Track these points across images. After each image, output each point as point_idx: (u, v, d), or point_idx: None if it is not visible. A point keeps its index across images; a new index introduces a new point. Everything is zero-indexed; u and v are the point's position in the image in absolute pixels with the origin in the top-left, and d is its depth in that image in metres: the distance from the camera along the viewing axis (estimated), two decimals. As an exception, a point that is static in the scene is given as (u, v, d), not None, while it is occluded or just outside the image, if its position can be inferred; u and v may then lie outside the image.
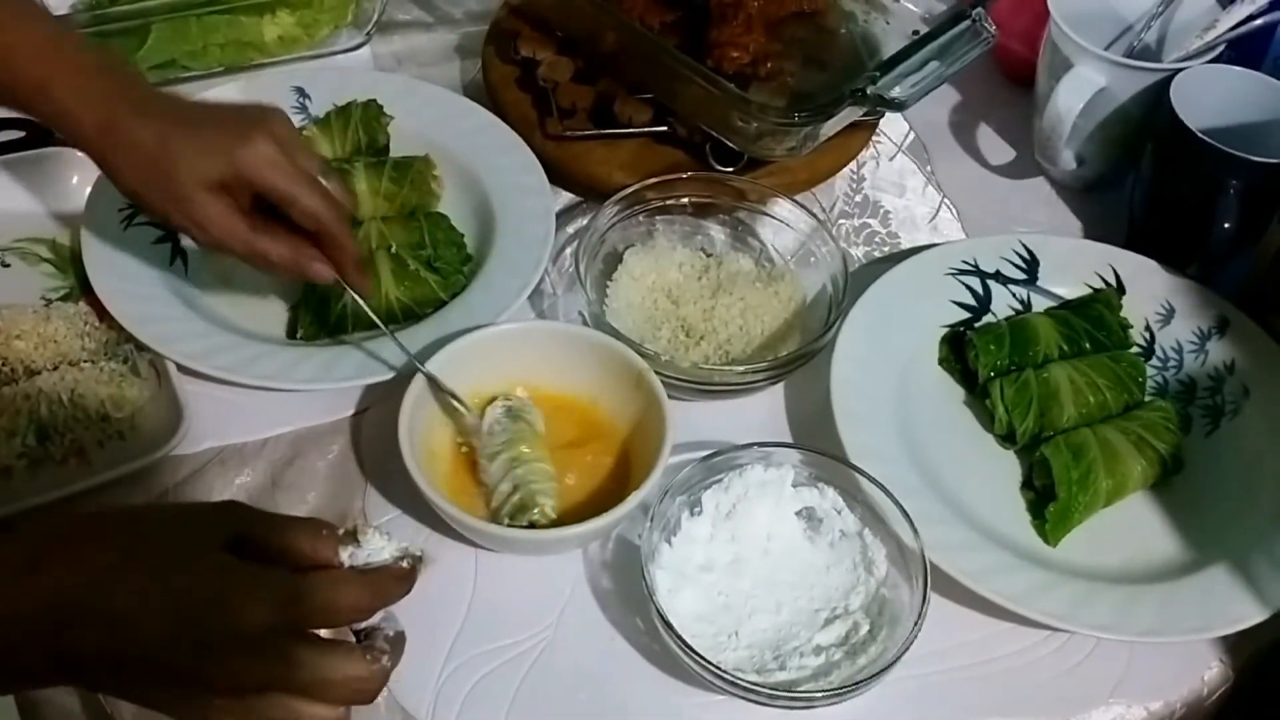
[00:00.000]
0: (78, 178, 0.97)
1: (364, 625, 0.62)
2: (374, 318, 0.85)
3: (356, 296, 0.84)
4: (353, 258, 0.83)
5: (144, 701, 0.59)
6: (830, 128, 0.97)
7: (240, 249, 0.80)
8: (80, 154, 0.97)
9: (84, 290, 0.91)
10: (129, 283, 0.90)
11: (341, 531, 0.62)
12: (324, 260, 0.82)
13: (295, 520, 0.63)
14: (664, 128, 1.03)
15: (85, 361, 0.86)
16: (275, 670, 0.57)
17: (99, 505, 0.80)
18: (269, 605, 0.56)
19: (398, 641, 0.63)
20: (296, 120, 1.03)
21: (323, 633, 0.60)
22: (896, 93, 0.95)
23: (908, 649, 0.73)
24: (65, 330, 0.87)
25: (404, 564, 0.63)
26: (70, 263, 0.93)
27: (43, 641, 0.55)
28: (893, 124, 1.13)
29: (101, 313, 0.89)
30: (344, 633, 0.62)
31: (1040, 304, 0.97)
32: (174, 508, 0.62)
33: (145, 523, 0.60)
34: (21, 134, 1.02)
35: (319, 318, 0.90)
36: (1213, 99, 0.96)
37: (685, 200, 0.97)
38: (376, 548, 0.62)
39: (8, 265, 0.94)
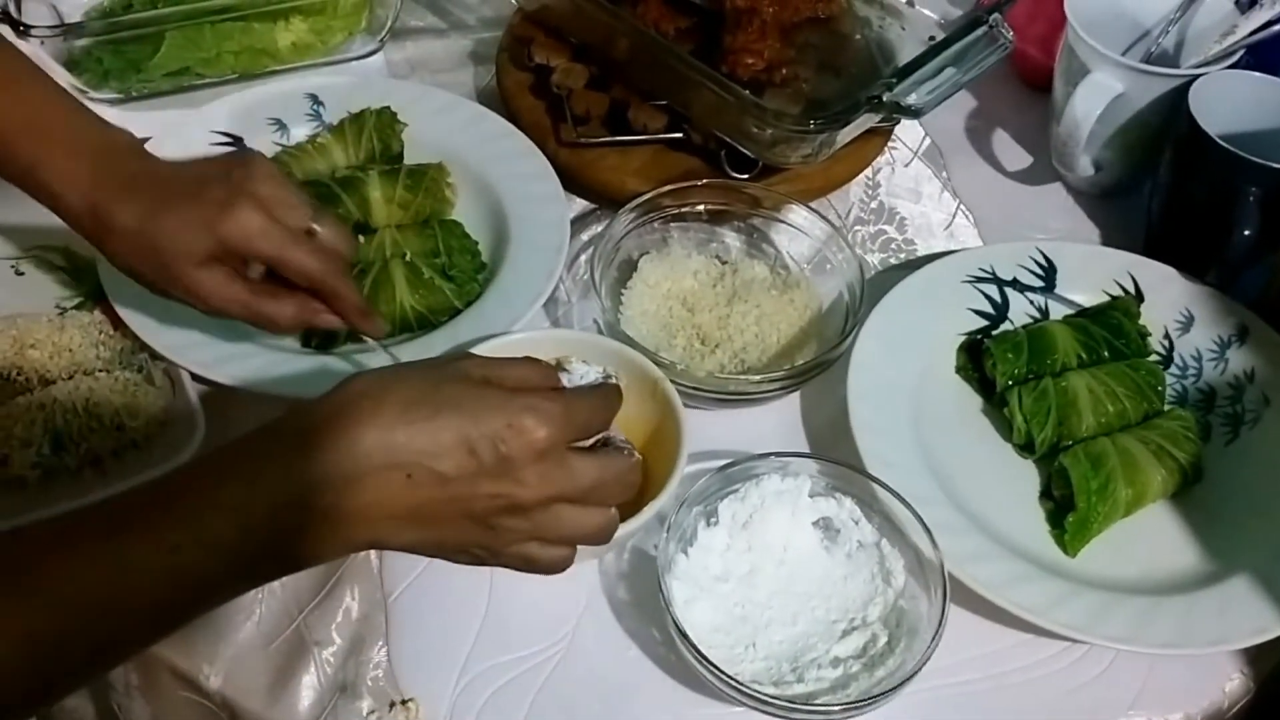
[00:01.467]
0: (92, 186, 0.97)
1: (598, 438, 0.67)
2: (391, 355, 0.85)
3: (368, 338, 0.85)
4: (354, 306, 0.82)
5: (439, 549, 0.63)
6: (846, 134, 0.97)
7: (244, 315, 0.80)
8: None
9: (98, 299, 0.91)
10: (143, 291, 0.90)
11: (554, 362, 0.70)
12: (329, 310, 0.82)
13: (516, 361, 0.67)
14: (678, 134, 1.02)
15: (100, 370, 0.86)
16: (562, 477, 0.62)
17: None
18: (547, 422, 0.61)
19: (628, 443, 0.69)
20: (310, 128, 1.04)
21: None
22: (913, 99, 0.95)
23: (927, 661, 0.72)
24: (80, 339, 0.87)
25: (611, 380, 0.70)
26: (85, 271, 0.93)
27: (345, 500, 0.59)
28: (908, 130, 1.12)
29: (116, 321, 0.89)
30: None
31: (1058, 312, 0.97)
32: (421, 366, 0.65)
33: (411, 382, 0.62)
34: (36, 142, 1.02)
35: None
36: (1231, 105, 0.96)
37: (700, 207, 0.97)
38: (583, 371, 0.70)
39: (22, 274, 0.94)
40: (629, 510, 0.76)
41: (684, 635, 0.72)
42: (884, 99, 0.94)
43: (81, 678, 0.62)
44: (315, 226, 0.80)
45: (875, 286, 0.94)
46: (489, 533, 0.63)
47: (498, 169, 1.01)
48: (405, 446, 0.59)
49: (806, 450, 0.88)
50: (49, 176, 0.77)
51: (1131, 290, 0.97)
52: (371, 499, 0.59)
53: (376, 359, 0.87)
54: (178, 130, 1.00)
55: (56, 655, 0.55)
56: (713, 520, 0.79)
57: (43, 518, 0.77)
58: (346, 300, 0.82)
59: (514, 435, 0.60)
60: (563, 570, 0.66)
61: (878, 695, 0.71)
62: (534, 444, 0.61)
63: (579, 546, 0.66)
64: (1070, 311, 0.97)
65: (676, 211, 0.96)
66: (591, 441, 0.66)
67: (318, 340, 0.91)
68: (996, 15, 0.98)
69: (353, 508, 0.59)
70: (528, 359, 0.68)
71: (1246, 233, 0.92)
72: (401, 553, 0.64)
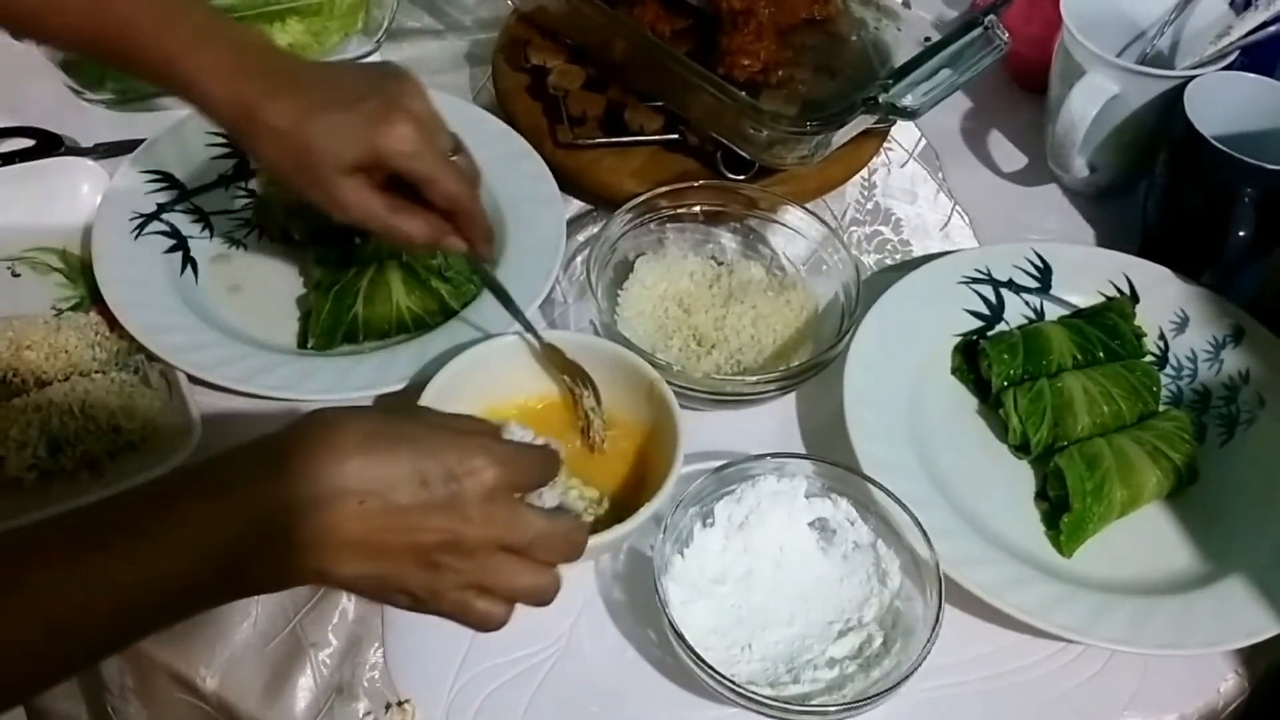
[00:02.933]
0: (88, 187, 0.97)
1: (542, 506, 0.67)
2: (499, 284, 0.87)
3: (482, 264, 0.87)
4: (484, 233, 0.84)
5: (380, 585, 0.62)
6: (842, 136, 0.97)
7: (378, 228, 0.81)
8: (90, 163, 0.98)
9: (95, 300, 0.91)
10: (140, 293, 0.90)
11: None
12: (456, 234, 0.83)
13: (464, 415, 0.69)
14: (675, 136, 1.02)
15: (96, 372, 0.86)
16: (507, 521, 0.62)
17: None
18: (497, 463, 0.62)
19: (583, 511, 0.74)
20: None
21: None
22: (909, 101, 0.95)
23: (922, 662, 0.72)
24: (76, 341, 0.87)
25: (548, 446, 0.69)
26: (81, 273, 0.93)
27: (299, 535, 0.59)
28: (904, 131, 1.12)
29: (112, 323, 0.89)
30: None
31: (1053, 312, 0.97)
32: (379, 407, 0.70)
33: (370, 418, 0.63)
34: (32, 143, 1.02)
35: (330, 328, 0.90)
36: (1226, 106, 0.96)
37: (696, 208, 0.97)
38: (521, 434, 0.68)
39: (18, 275, 0.94)
40: (624, 511, 0.76)
41: (680, 636, 0.72)
42: (880, 100, 0.94)
43: (41, 685, 0.62)
44: (456, 158, 0.81)
45: (871, 287, 0.94)
46: (431, 572, 0.62)
47: (494, 170, 1.00)
48: (360, 475, 0.59)
49: (802, 451, 0.88)
50: (190, 69, 0.77)
51: (1127, 291, 0.97)
52: (325, 524, 0.58)
53: (370, 359, 0.88)
54: (174, 132, 1.00)
55: (19, 666, 0.55)
56: (709, 521, 0.79)
57: (37, 519, 0.77)
58: (478, 226, 0.83)
59: (465, 473, 0.61)
60: (495, 628, 0.65)
61: (873, 696, 0.71)
62: (484, 483, 0.61)
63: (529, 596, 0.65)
64: (1065, 312, 0.97)
65: (673, 212, 0.96)
66: (548, 506, 0.66)
67: (314, 342, 0.91)
68: (992, 17, 0.98)
69: (306, 532, 0.58)
70: (471, 416, 0.70)
71: (1241, 234, 0.92)
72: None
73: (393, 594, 0.63)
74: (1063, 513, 0.84)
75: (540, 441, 0.68)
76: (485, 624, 0.65)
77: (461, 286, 0.94)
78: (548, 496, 0.66)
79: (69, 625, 0.55)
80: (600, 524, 0.76)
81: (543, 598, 0.65)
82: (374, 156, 0.78)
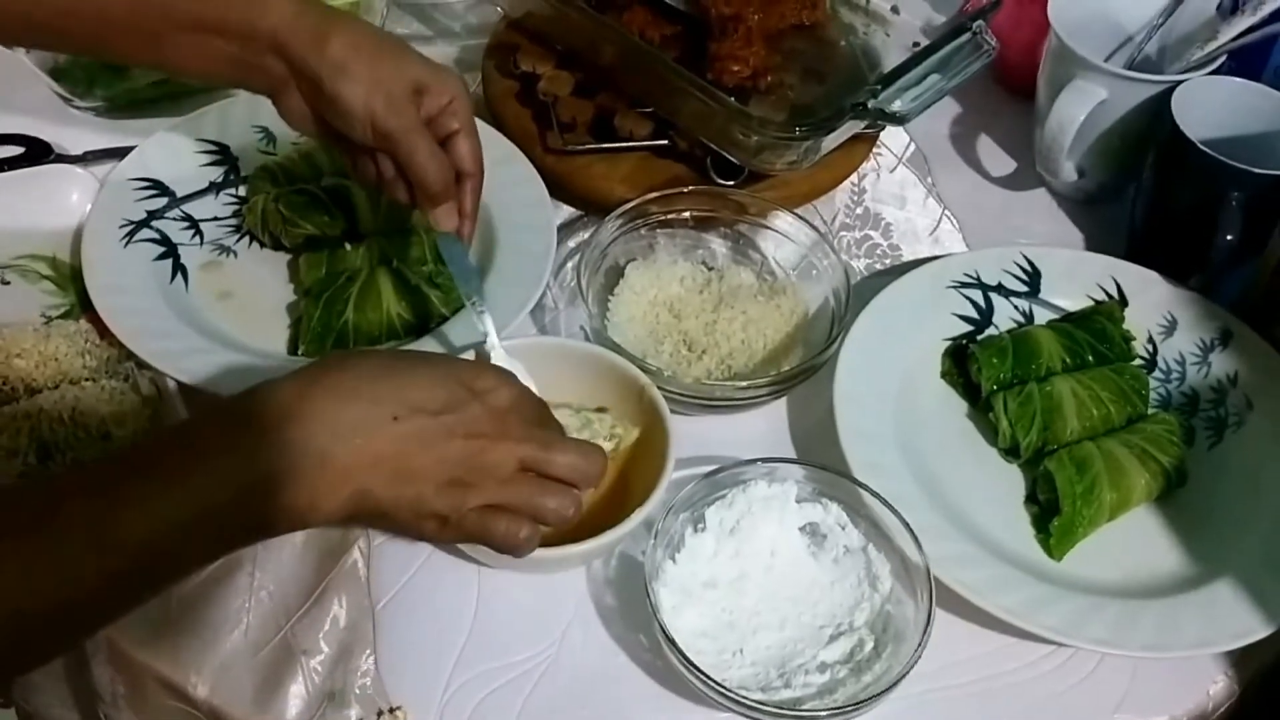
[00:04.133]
0: (77, 194, 0.97)
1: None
2: (465, 252, 0.86)
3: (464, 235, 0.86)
4: (473, 211, 0.86)
5: (412, 509, 0.64)
6: (831, 141, 0.97)
7: (412, 141, 0.81)
8: (80, 170, 0.98)
9: (84, 308, 0.91)
10: (130, 300, 0.90)
11: None
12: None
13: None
14: (664, 141, 1.02)
15: (86, 379, 0.86)
16: (535, 434, 0.67)
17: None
18: (512, 384, 0.68)
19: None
20: (296, 135, 1.03)
21: None
22: (897, 106, 0.95)
23: (913, 665, 0.72)
24: (66, 348, 0.87)
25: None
26: (70, 280, 0.93)
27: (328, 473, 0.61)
28: (893, 136, 1.12)
29: (102, 330, 0.89)
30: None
31: (1042, 316, 0.97)
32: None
33: (384, 353, 0.68)
34: (21, 150, 1.02)
35: (321, 334, 0.90)
36: (1214, 110, 0.96)
37: (686, 214, 0.97)
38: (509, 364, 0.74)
39: (7, 283, 0.93)
40: (615, 517, 0.76)
41: (671, 641, 0.72)
42: (869, 105, 0.94)
43: (63, 640, 0.63)
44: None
45: (861, 292, 0.94)
46: (455, 490, 0.64)
47: (484, 176, 1.01)
48: (390, 393, 0.63)
49: (793, 456, 0.88)
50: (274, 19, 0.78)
51: (1115, 295, 0.97)
52: (360, 442, 0.61)
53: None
54: (163, 139, 1.00)
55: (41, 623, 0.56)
56: (700, 526, 0.79)
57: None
58: (476, 199, 0.85)
59: (483, 390, 0.66)
60: (518, 551, 0.67)
61: (865, 700, 0.71)
62: (501, 400, 0.66)
63: (550, 559, 0.68)
64: (1054, 316, 0.97)
65: (663, 218, 0.97)
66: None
67: (304, 348, 0.91)
68: (980, 22, 0.99)
69: (345, 454, 0.61)
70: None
71: (1229, 237, 0.93)
72: (375, 531, 0.69)
73: (423, 520, 0.65)
74: (1052, 516, 0.84)
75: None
76: (508, 544, 0.66)
77: (452, 293, 0.93)
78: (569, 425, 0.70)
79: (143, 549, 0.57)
80: (591, 529, 0.76)
81: (563, 518, 0.67)
82: (436, 81, 0.81)
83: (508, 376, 0.69)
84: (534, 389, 0.73)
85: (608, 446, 0.81)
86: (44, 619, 0.56)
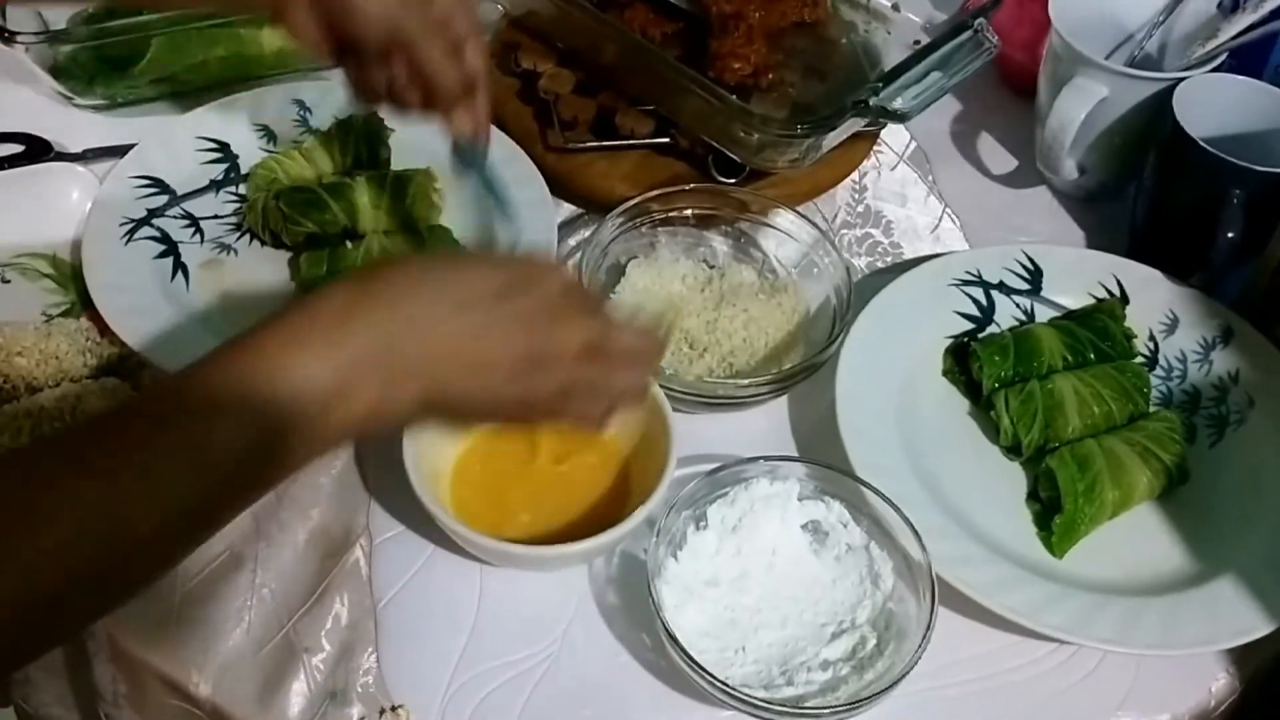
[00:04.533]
0: (77, 193, 0.97)
1: None
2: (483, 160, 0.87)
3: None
4: (486, 117, 0.85)
5: (489, 393, 0.65)
6: (832, 139, 0.97)
7: (435, 41, 0.79)
8: (80, 168, 0.98)
9: (85, 306, 0.91)
10: (130, 298, 0.90)
11: None
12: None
13: None
14: (666, 139, 1.02)
15: (87, 377, 0.86)
16: (601, 321, 0.68)
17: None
18: (560, 273, 0.68)
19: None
20: (297, 133, 1.04)
21: None
22: (899, 104, 0.95)
23: (915, 663, 0.72)
24: (67, 346, 0.87)
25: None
26: (71, 278, 0.93)
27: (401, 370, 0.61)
28: (894, 134, 1.12)
29: (103, 328, 0.89)
30: None
31: (1044, 314, 0.97)
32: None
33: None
34: (21, 149, 1.02)
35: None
36: (1215, 108, 0.96)
37: (688, 212, 0.97)
38: None
39: (8, 281, 0.94)
40: (617, 515, 0.76)
41: (674, 639, 0.72)
42: (870, 103, 0.94)
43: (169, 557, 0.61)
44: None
45: (862, 290, 0.94)
46: (528, 375, 0.64)
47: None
48: (446, 287, 0.63)
49: (795, 454, 0.88)
50: None
51: (1117, 293, 0.97)
52: (425, 336, 0.62)
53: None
54: (164, 137, 1.00)
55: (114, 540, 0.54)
56: (702, 524, 0.79)
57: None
58: (489, 106, 0.85)
59: (538, 277, 0.66)
60: (596, 426, 0.70)
61: (867, 698, 0.71)
62: (555, 287, 0.66)
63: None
64: (1056, 314, 0.97)
65: (664, 216, 0.97)
66: None
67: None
68: (981, 20, 0.99)
69: (410, 350, 0.61)
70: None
71: (1230, 235, 0.93)
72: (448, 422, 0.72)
73: (499, 406, 0.66)
74: (1054, 514, 0.84)
75: None
76: (585, 422, 0.69)
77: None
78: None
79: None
80: (593, 527, 0.76)
81: (635, 396, 0.70)
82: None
83: (555, 266, 0.70)
84: None
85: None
86: (151, 533, 0.55)
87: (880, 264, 1.04)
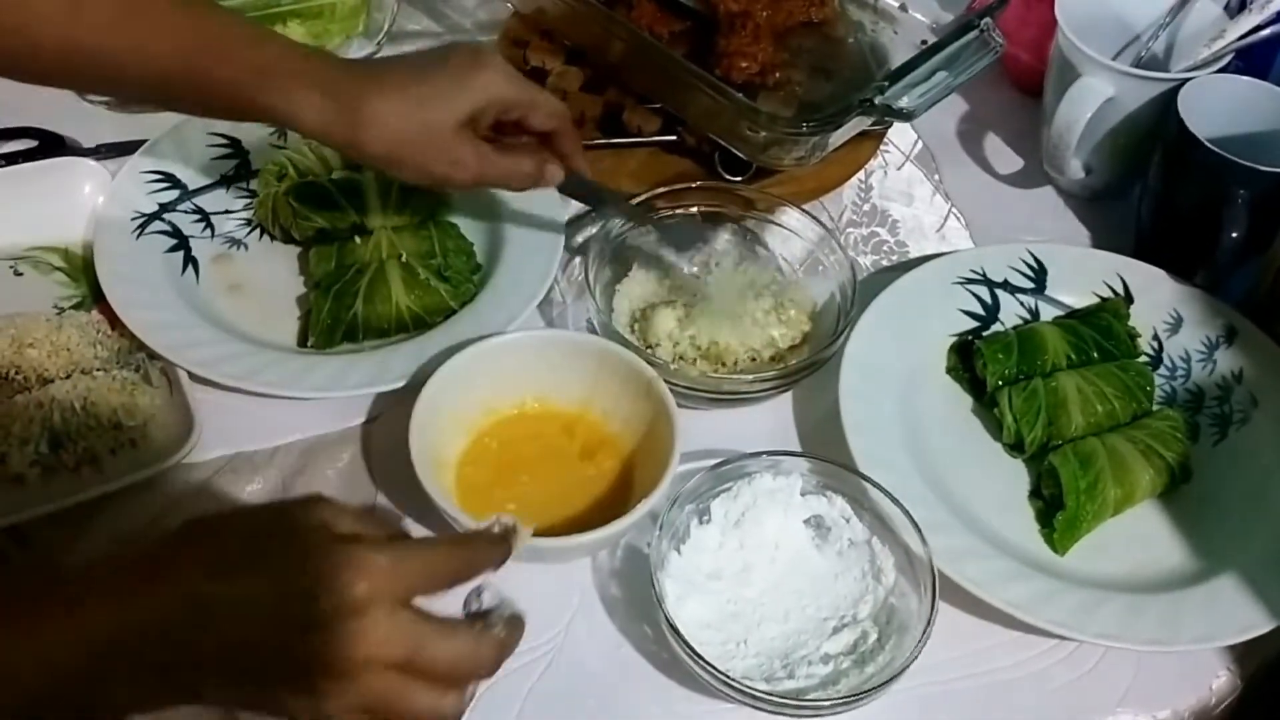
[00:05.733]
0: (90, 187, 0.97)
1: (479, 608, 0.60)
2: (595, 186, 0.92)
3: (583, 169, 0.91)
4: (579, 146, 0.89)
5: (253, 704, 0.57)
6: (839, 137, 0.98)
7: (494, 176, 0.83)
8: (92, 163, 0.99)
9: (96, 299, 0.92)
10: (141, 291, 0.91)
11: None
12: (555, 161, 0.87)
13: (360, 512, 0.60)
14: (673, 137, 1.03)
15: (98, 370, 0.87)
16: (382, 642, 0.54)
17: (113, 512, 0.81)
18: (368, 575, 0.54)
19: (515, 623, 0.60)
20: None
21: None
22: (905, 103, 0.95)
23: (916, 658, 0.73)
24: (78, 339, 0.88)
25: (495, 529, 0.61)
26: (82, 272, 0.94)
27: (153, 658, 0.54)
28: (900, 133, 1.13)
29: (114, 321, 0.89)
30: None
31: (1048, 313, 0.97)
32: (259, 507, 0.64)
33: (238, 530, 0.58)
34: (34, 143, 1.03)
35: (330, 327, 0.91)
36: (1221, 108, 0.96)
37: (694, 209, 0.97)
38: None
39: (20, 274, 0.94)
40: (621, 508, 0.77)
41: (676, 632, 0.73)
42: (876, 102, 0.95)
43: None
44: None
45: (867, 288, 0.94)
46: (309, 696, 0.55)
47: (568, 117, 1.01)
48: (217, 595, 0.54)
49: (798, 449, 0.89)
50: (284, 79, 0.77)
51: (1121, 292, 0.98)
52: (184, 641, 0.54)
53: (369, 357, 0.88)
54: (175, 132, 1.01)
55: None
56: (705, 518, 0.80)
57: (40, 514, 0.78)
58: (574, 140, 0.88)
59: (345, 584, 0.54)
60: None
61: (867, 691, 0.72)
62: (356, 597, 0.54)
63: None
64: (1060, 313, 0.97)
65: (670, 213, 0.97)
66: (485, 606, 0.60)
67: (313, 340, 0.92)
68: (988, 20, 0.99)
69: (166, 652, 0.54)
70: (372, 514, 0.66)
71: (1235, 235, 0.93)
72: None
73: (275, 715, 0.57)
74: (1056, 511, 0.84)
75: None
76: None
77: (461, 286, 0.94)
78: (486, 596, 0.60)
79: None
80: (597, 520, 0.77)
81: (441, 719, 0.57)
82: (485, 98, 0.81)
83: (377, 564, 0.55)
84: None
85: (779, 333, 0.87)
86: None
87: (885, 262, 1.04)
